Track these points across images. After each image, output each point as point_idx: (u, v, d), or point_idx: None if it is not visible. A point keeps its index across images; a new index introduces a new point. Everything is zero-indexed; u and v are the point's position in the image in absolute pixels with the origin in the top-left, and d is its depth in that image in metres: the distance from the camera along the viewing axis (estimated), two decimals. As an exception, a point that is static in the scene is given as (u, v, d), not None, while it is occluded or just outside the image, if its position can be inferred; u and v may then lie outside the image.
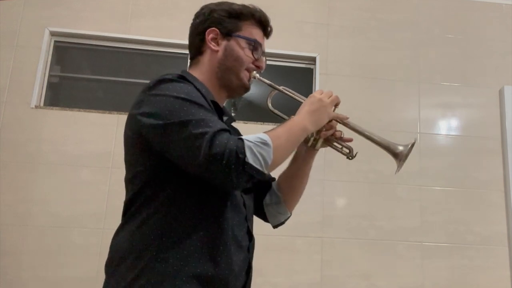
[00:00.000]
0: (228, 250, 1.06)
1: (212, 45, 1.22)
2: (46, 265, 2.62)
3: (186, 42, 3.20)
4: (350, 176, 2.87)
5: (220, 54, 1.22)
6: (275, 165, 1.06)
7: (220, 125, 1.02)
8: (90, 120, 2.86)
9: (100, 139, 2.82)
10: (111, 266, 1.09)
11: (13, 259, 2.61)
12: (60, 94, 3.08)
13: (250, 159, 0.98)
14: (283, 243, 2.74)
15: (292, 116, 1.21)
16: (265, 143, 1.02)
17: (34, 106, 2.85)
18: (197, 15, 1.29)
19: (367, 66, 3.15)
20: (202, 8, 1.29)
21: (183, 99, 1.04)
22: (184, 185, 1.05)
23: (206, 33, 1.23)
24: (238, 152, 0.97)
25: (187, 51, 3.55)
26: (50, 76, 2.99)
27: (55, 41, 3.03)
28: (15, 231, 2.65)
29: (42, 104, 2.91)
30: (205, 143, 0.96)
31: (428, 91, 3.15)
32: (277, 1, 3.14)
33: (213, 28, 1.23)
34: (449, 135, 3.11)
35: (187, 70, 1.27)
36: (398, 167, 1.21)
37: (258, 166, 0.99)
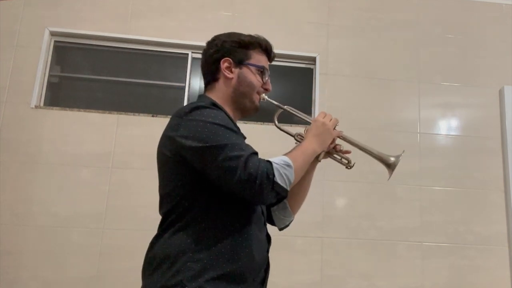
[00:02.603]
0: (252, 252, 1.21)
1: (227, 73, 1.37)
2: (46, 265, 2.62)
3: (186, 42, 3.19)
4: (350, 176, 2.86)
5: (234, 81, 1.37)
6: (294, 183, 1.23)
7: (251, 149, 1.20)
8: (90, 120, 2.86)
9: (100, 139, 2.82)
10: (149, 269, 1.21)
11: (13, 259, 2.61)
12: (60, 94, 3.08)
13: (278, 179, 1.15)
14: (283, 243, 2.73)
15: (297, 133, 1.46)
16: (288, 165, 1.20)
17: (34, 106, 2.85)
18: (209, 46, 1.41)
19: (367, 66, 3.15)
20: (213, 39, 1.42)
21: (218, 124, 1.19)
22: (216, 198, 1.20)
23: (221, 62, 1.37)
24: (269, 173, 1.14)
25: (187, 51, 3.53)
26: (50, 76, 2.99)
27: (55, 41, 3.03)
28: (15, 231, 2.65)
29: (42, 104, 2.91)
30: (241, 164, 1.13)
31: (428, 91, 3.15)
32: (277, 1, 3.14)
33: (227, 58, 1.37)
34: (449, 135, 3.11)
35: (204, 94, 1.40)
36: (389, 175, 1.40)
37: (284, 185, 1.17)
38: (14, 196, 2.70)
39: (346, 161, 1.47)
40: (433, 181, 2.99)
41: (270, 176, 1.14)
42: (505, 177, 3.02)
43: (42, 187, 2.73)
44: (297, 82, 3.24)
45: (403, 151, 1.40)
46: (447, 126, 3.13)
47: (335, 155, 1.46)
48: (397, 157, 1.39)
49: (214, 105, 1.29)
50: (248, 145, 1.22)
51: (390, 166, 1.39)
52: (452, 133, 3.12)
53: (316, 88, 3.08)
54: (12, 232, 2.64)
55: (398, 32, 3.23)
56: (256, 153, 1.19)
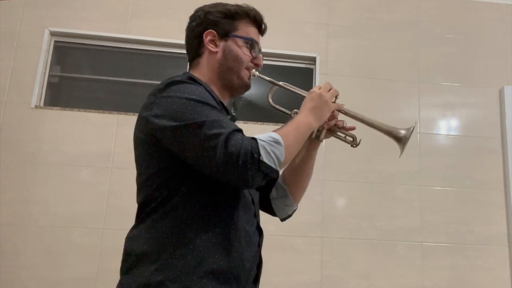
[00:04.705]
0: (241, 246, 1.09)
1: (211, 47, 1.24)
2: (46, 265, 2.62)
3: (186, 42, 3.10)
4: (350, 176, 2.87)
5: (219, 55, 1.24)
6: (285, 163, 1.09)
7: (233, 125, 1.05)
8: (90, 120, 2.86)
9: (100, 139, 2.82)
10: (126, 265, 1.11)
11: (13, 259, 2.61)
12: (60, 94, 3.08)
13: (264, 157, 1.01)
14: (283, 243, 2.73)
15: (295, 111, 1.27)
16: (277, 142, 1.05)
17: (34, 106, 2.85)
18: (192, 18, 1.29)
19: (367, 66, 3.15)
20: (197, 11, 1.29)
21: (195, 100, 1.06)
22: (198, 185, 1.08)
23: (204, 35, 1.24)
24: (253, 151, 1.00)
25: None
26: (50, 76, 2.99)
27: (55, 41, 3.03)
28: (15, 231, 2.65)
29: (42, 104, 2.91)
30: (220, 143, 0.99)
31: (428, 91, 3.15)
32: (277, 1, 3.14)
33: (210, 30, 1.24)
34: (449, 135, 3.11)
35: (188, 71, 1.29)
36: (401, 150, 1.24)
37: (272, 164, 1.03)
38: (14, 196, 2.69)
39: (351, 139, 1.31)
40: (433, 181, 2.98)
41: (255, 155, 0.99)
42: (505, 177, 3.01)
43: (42, 187, 2.73)
44: (297, 82, 3.21)
45: (415, 123, 1.27)
46: (447, 126, 3.13)
47: (338, 133, 1.31)
48: (408, 129, 1.24)
49: (192, 79, 1.15)
50: (230, 122, 1.07)
51: (401, 140, 1.24)
52: (452, 133, 3.12)
53: (316, 88, 3.08)
54: (12, 232, 2.64)
55: (398, 32, 3.22)
56: (239, 130, 1.05)
